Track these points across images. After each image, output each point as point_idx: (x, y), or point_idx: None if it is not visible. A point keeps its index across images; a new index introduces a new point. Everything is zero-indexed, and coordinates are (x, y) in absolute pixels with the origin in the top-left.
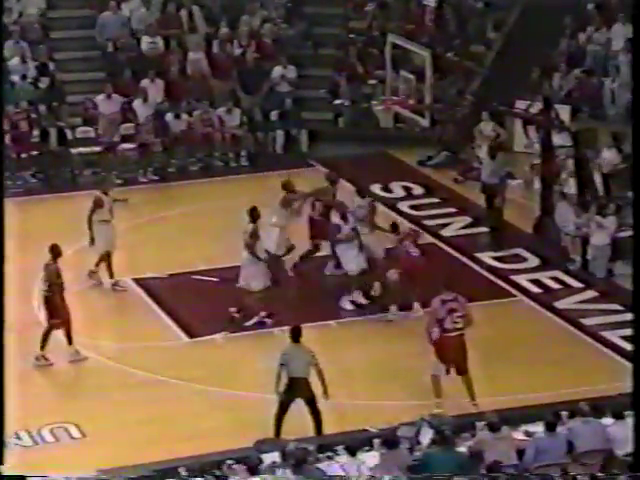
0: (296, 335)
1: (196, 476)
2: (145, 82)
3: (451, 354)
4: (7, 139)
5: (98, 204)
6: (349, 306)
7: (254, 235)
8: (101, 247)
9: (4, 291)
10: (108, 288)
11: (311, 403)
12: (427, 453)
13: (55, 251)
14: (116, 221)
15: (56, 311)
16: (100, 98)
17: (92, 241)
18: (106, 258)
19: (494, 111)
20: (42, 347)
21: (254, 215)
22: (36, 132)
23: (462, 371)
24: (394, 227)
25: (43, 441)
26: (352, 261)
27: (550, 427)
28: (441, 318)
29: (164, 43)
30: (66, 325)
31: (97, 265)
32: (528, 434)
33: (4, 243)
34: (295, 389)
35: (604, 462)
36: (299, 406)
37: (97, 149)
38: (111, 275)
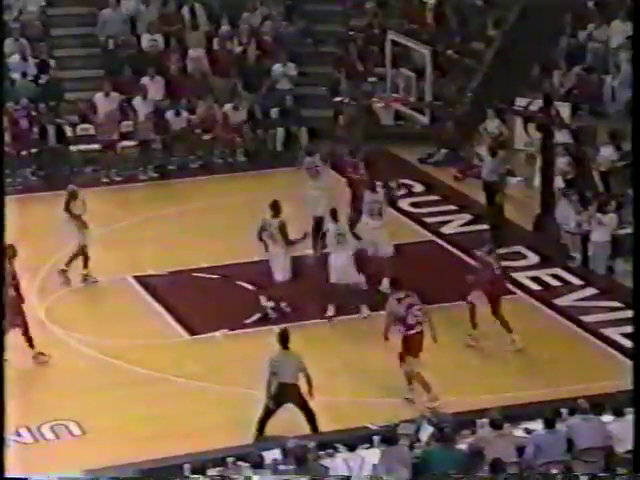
0: (284, 341)
1: (198, 473)
2: (145, 80)
3: (417, 348)
4: (7, 136)
5: (73, 196)
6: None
7: (284, 228)
8: (75, 242)
9: (4, 288)
10: (108, 286)
11: (304, 407)
12: (427, 451)
13: (10, 252)
14: (117, 218)
15: (11, 312)
16: (98, 96)
17: (84, 225)
18: (81, 252)
19: (497, 109)
20: (31, 346)
21: (277, 208)
22: (35, 129)
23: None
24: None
25: (43, 438)
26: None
27: (549, 424)
28: (402, 316)
29: (164, 41)
30: (21, 326)
31: (85, 266)
32: (528, 431)
33: (4, 241)
34: (285, 395)
35: (605, 459)
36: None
37: (97, 146)
38: (85, 266)
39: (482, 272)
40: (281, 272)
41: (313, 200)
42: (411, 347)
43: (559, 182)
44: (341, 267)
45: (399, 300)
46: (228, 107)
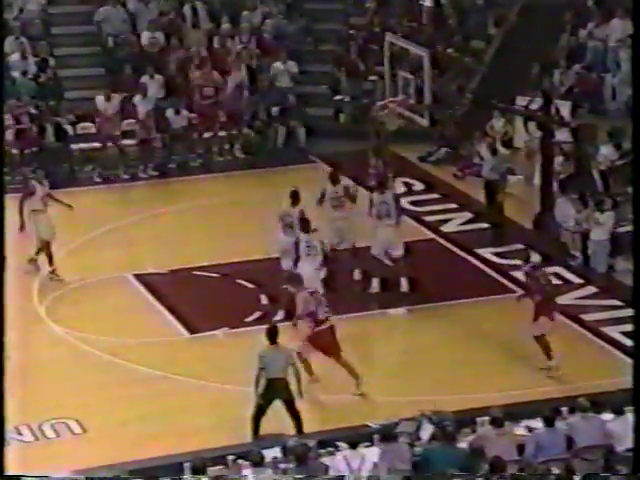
0: (273, 336)
1: (198, 471)
2: (145, 78)
3: (325, 343)
4: (10, 134)
5: (29, 193)
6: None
7: (304, 217)
8: (35, 236)
9: (4, 286)
10: (108, 284)
11: (289, 404)
12: (427, 449)
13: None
14: (117, 217)
15: None
16: (99, 99)
17: (21, 228)
18: (45, 246)
19: (497, 107)
20: None
21: (296, 198)
22: (35, 128)
23: (337, 358)
24: (526, 258)
25: (44, 436)
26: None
27: (549, 423)
28: (312, 311)
29: (165, 39)
30: None
31: (37, 253)
32: (529, 429)
33: (4, 239)
34: (274, 390)
35: (605, 458)
36: (298, 403)
37: (97, 145)
38: (50, 263)
39: (541, 294)
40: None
41: (339, 231)
42: (317, 341)
43: (563, 181)
44: (307, 277)
45: (311, 294)
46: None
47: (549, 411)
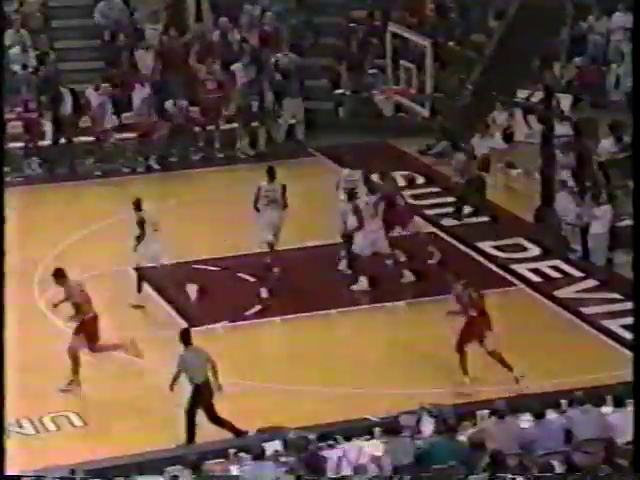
0: (187, 338)
1: (199, 464)
2: (140, 52)
3: (90, 333)
4: (20, 127)
5: None
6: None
7: (285, 191)
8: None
9: (4, 280)
10: (108, 277)
11: (209, 411)
12: (428, 442)
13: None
14: (117, 210)
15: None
16: (90, 91)
17: None
18: None
19: (500, 100)
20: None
21: (273, 174)
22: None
23: (93, 347)
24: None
25: (45, 429)
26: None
27: (539, 416)
28: (79, 302)
29: (165, 31)
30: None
31: None
32: (528, 422)
33: (4, 233)
34: (201, 395)
35: (605, 450)
36: (299, 396)
37: (92, 139)
38: None
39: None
40: (270, 234)
41: (342, 214)
42: (89, 330)
43: (563, 175)
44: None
45: (81, 290)
46: (237, 66)
47: (539, 405)
